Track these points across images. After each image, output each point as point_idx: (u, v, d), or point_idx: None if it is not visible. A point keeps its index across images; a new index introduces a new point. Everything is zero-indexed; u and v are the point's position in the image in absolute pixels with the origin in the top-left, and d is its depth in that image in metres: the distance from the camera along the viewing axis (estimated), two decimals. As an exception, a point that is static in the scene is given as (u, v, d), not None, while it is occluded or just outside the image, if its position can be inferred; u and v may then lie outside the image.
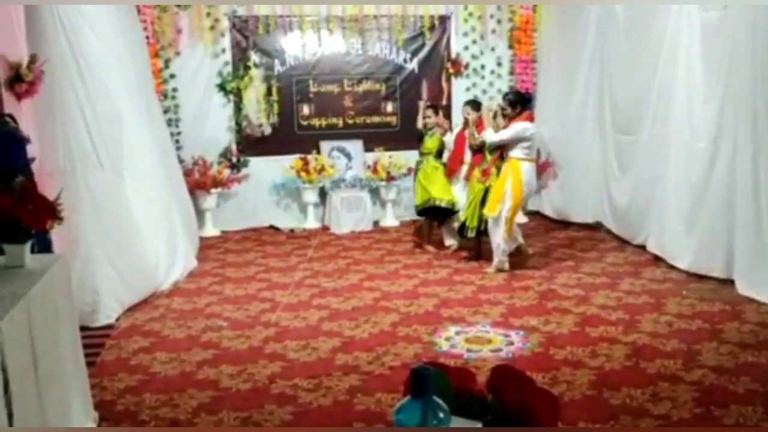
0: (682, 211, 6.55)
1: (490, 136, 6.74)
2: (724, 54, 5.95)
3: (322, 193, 9.06)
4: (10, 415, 2.30)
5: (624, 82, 7.62)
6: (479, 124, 7.04)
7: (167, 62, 8.55)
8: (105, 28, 5.90)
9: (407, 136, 8.70)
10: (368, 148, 9.16)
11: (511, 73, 9.55)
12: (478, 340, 4.90)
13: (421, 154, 7.71)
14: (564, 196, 9.00)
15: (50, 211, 3.11)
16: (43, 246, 3.94)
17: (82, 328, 3.81)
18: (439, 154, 7.65)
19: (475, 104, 7.45)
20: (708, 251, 6.18)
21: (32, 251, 3.14)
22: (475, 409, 1.52)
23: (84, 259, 5.28)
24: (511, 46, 9.50)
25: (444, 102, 9.42)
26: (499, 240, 6.65)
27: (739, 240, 5.82)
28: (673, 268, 6.59)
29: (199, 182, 8.46)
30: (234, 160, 8.87)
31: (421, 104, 8.16)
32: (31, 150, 4.26)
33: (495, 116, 6.87)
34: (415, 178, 7.76)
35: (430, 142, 7.60)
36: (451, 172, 7.53)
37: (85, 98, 5.38)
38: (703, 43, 6.28)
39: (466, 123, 7.36)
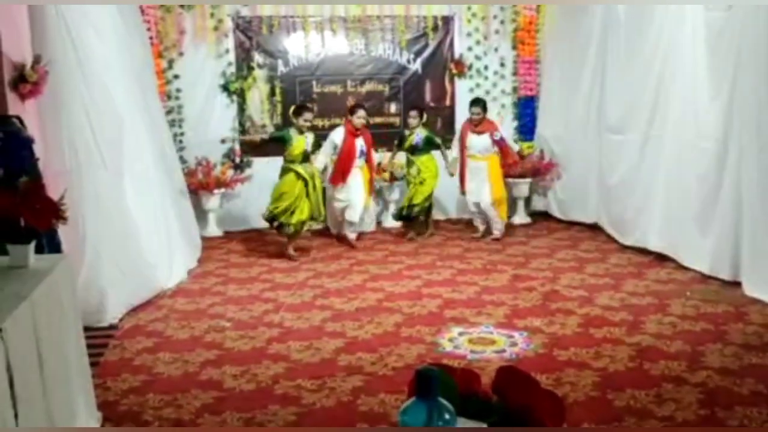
0: (686, 212, 6.54)
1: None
2: (729, 54, 5.94)
3: (325, 194, 9.05)
4: (15, 416, 2.30)
5: (623, 82, 7.60)
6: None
7: (171, 63, 8.55)
8: (108, 29, 5.90)
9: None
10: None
11: (515, 73, 9.53)
12: (481, 341, 4.90)
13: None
14: (567, 197, 9.00)
15: (54, 212, 3.11)
16: (53, 246, 3.95)
17: (86, 329, 3.81)
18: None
19: (419, 110, 8.32)
20: (714, 252, 6.16)
21: (42, 251, 3.15)
22: (480, 410, 1.52)
23: (90, 259, 5.29)
24: (514, 47, 9.49)
25: (447, 103, 9.42)
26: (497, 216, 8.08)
27: (746, 240, 5.81)
28: (676, 269, 6.59)
29: (202, 183, 8.46)
30: (237, 160, 8.87)
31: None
32: (35, 150, 4.27)
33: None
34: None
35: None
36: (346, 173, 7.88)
37: (88, 99, 5.38)
38: (707, 44, 6.28)
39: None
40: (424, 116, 8.26)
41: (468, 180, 8.10)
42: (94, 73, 5.49)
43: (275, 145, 7.60)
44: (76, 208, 4.95)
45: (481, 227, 8.29)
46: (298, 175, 7.28)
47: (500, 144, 8.07)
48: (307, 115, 7.39)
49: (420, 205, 8.17)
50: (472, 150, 8.02)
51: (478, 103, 8.10)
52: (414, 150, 8.18)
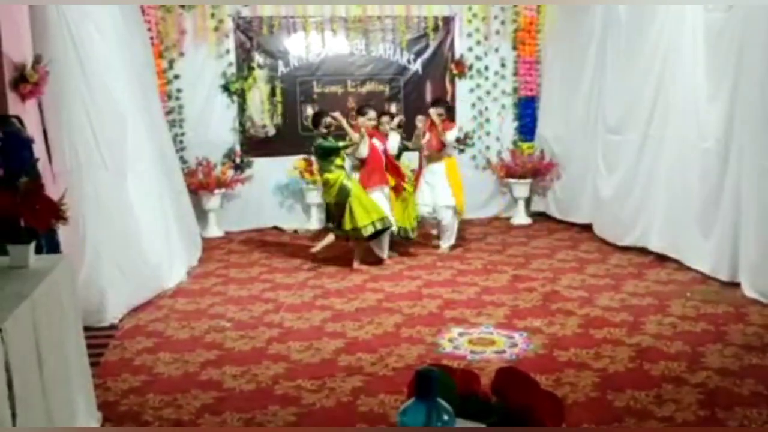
0: (687, 212, 6.54)
1: (452, 136, 7.65)
2: (730, 54, 5.93)
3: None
4: (13, 416, 2.30)
5: (623, 82, 7.59)
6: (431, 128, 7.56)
7: (171, 63, 8.55)
8: (109, 29, 5.90)
9: (411, 137, 8.83)
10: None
11: (515, 74, 9.53)
12: (481, 342, 4.90)
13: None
14: (567, 197, 8.99)
15: (54, 212, 3.11)
16: (52, 246, 3.95)
17: (86, 329, 3.81)
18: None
19: (391, 115, 7.83)
20: (715, 252, 6.16)
21: (41, 252, 3.15)
22: (479, 410, 1.52)
23: (91, 259, 5.29)
24: (515, 48, 9.48)
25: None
26: (454, 224, 7.66)
27: (743, 240, 5.80)
28: (677, 270, 6.59)
29: (202, 183, 8.46)
30: (238, 160, 8.87)
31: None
32: (35, 150, 4.27)
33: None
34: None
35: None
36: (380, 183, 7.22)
37: (89, 99, 5.39)
38: (706, 44, 6.28)
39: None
40: (395, 120, 7.77)
41: (423, 183, 7.71)
42: (95, 72, 5.48)
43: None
44: (77, 208, 4.95)
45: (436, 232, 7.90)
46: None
47: (434, 128, 7.45)
48: (328, 120, 6.93)
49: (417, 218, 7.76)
50: (429, 151, 7.66)
51: (440, 103, 7.84)
52: (396, 156, 7.69)
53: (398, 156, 7.69)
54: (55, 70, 4.83)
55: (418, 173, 7.85)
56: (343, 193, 6.88)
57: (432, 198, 7.60)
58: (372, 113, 7.39)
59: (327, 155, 6.88)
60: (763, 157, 5.58)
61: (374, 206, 6.95)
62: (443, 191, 7.59)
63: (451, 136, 7.60)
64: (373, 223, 6.88)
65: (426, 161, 7.72)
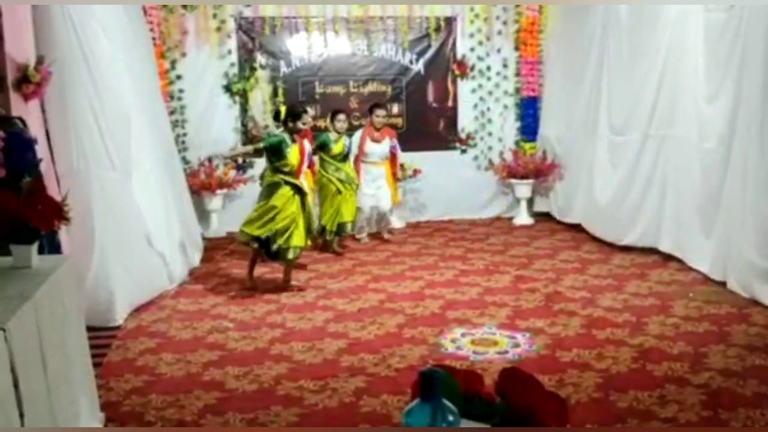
0: (687, 213, 6.53)
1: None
2: (732, 55, 5.92)
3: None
4: (21, 416, 2.31)
5: (625, 82, 7.59)
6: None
7: (173, 63, 8.57)
8: (114, 29, 5.91)
9: (413, 138, 8.98)
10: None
11: (517, 74, 9.53)
12: (484, 342, 4.90)
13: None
14: (569, 198, 8.98)
15: (57, 212, 3.11)
16: (53, 247, 3.95)
17: (90, 329, 3.81)
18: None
19: (347, 114, 7.88)
20: (716, 253, 6.15)
21: (42, 252, 3.15)
22: (483, 411, 1.51)
23: (99, 259, 5.30)
24: (517, 48, 9.48)
25: (450, 104, 9.42)
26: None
27: (737, 237, 5.79)
28: (679, 270, 6.58)
29: (204, 183, 8.47)
30: (239, 161, 8.87)
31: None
32: (39, 151, 4.27)
33: None
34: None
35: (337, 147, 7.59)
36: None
37: (95, 98, 5.39)
38: (707, 44, 6.28)
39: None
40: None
41: (364, 185, 8.02)
42: (101, 71, 5.49)
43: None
44: (85, 208, 4.97)
45: (366, 234, 8.29)
46: (295, 189, 6.10)
47: (393, 152, 8.20)
48: (307, 117, 6.34)
49: (353, 221, 7.77)
50: (373, 157, 8.10)
51: (384, 106, 8.25)
52: (344, 158, 7.65)
53: (345, 158, 7.67)
54: (62, 69, 4.84)
55: (356, 167, 8.04)
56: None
57: (377, 198, 8.14)
58: (310, 112, 7.01)
59: (279, 154, 6.11)
60: (764, 157, 5.57)
61: (281, 222, 6.02)
62: (385, 194, 8.18)
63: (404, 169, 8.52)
64: (248, 234, 6.10)
65: (365, 165, 8.09)
